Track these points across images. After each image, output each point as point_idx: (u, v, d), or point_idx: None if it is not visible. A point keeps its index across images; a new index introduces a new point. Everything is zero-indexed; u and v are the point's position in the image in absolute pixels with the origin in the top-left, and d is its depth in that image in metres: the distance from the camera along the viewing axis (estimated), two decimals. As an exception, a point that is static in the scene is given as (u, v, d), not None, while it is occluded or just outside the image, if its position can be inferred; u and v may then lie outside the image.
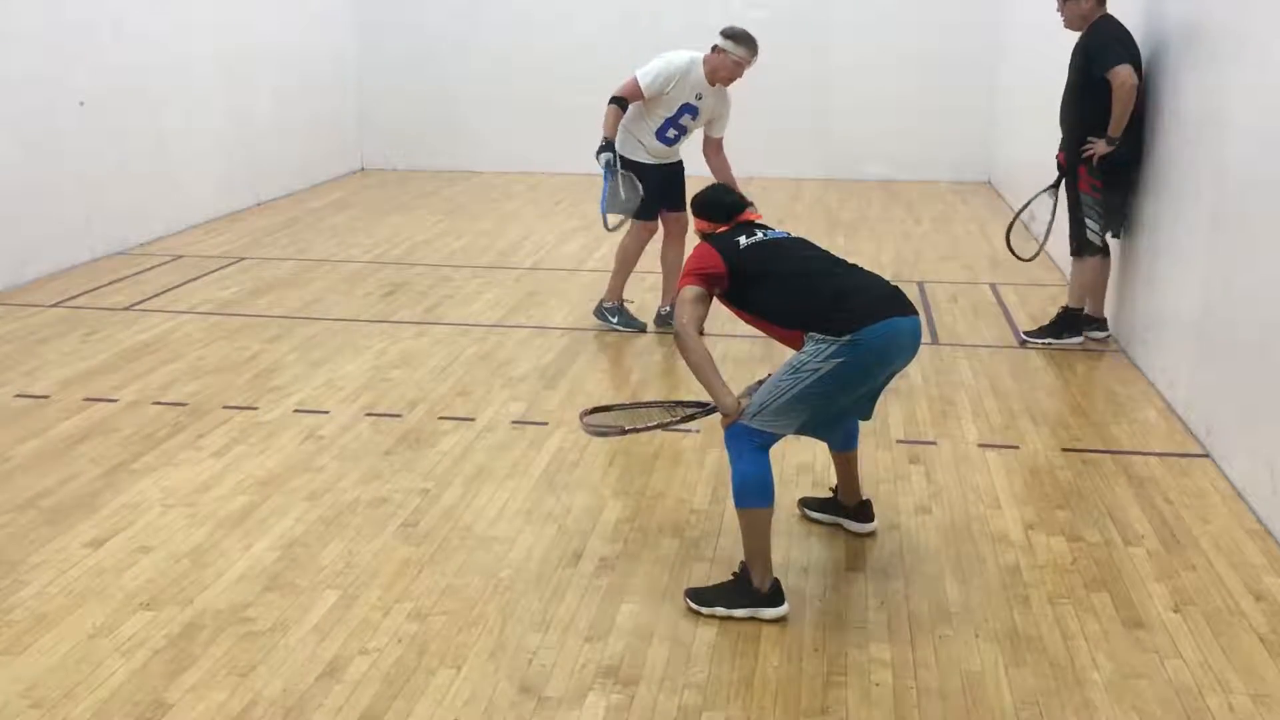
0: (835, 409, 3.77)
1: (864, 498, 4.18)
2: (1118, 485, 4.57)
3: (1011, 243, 6.70)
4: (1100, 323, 6.32)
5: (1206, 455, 4.82)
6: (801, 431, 3.82)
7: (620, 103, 6.25)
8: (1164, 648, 3.44)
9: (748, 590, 3.61)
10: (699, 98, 6.29)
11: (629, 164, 6.37)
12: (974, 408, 5.38)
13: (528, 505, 4.37)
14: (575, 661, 3.36)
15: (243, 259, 8.31)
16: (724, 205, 4.01)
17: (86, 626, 3.51)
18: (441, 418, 5.24)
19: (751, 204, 4.07)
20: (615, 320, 6.64)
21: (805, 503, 4.30)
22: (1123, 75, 5.71)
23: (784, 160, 11.71)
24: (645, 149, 6.41)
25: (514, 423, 5.20)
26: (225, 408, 5.34)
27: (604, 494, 4.47)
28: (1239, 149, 4.71)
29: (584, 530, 4.17)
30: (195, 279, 7.70)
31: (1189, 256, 5.20)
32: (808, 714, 3.14)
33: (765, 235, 3.88)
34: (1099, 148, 5.89)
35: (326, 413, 5.30)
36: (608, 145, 6.24)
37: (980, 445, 4.94)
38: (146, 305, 7.05)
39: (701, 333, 3.71)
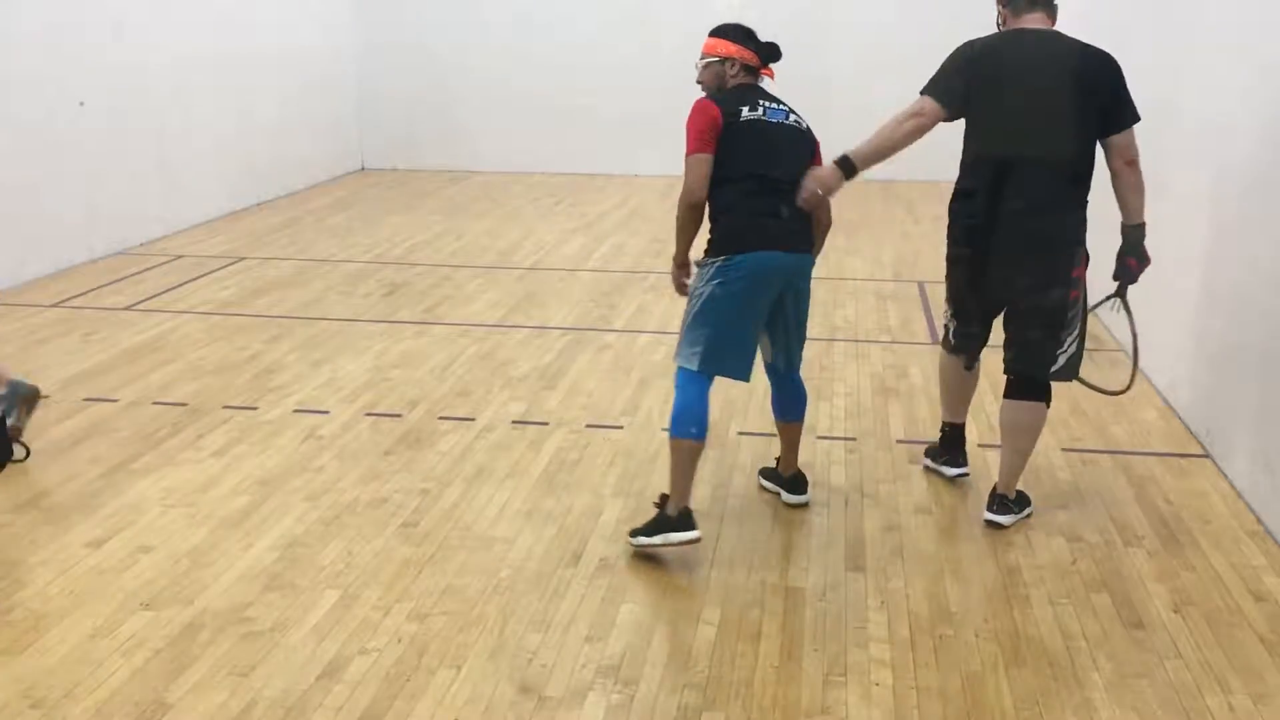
0: (737, 333, 3.90)
1: (798, 471, 4.37)
2: (1118, 485, 4.57)
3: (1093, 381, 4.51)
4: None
5: (1206, 455, 4.82)
6: (725, 369, 3.92)
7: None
8: (1164, 648, 3.44)
9: (663, 518, 3.90)
10: None
11: None
12: (974, 408, 5.36)
13: (528, 505, 4.37)
14: (575, 661, 3.36)
15: (243, 259, 8.30)
16: (763, 44, 4.04)
17: (86, 626, 3.51)
18: (441, 418, 5.24)
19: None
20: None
21: (761, 472, 4.55)
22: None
23: (784, 160, 11.70)
24: None
25: (514, 423, 5.20)
26: (225, 408, 5.34)
27: (604, 494, 4.47)
28: (1240, 149, 4.71)
29: (584, 530, 4.17)
30: (195, 279, 7.70)
31: (1189, 256, 5.20)
32: (808, 714, 3.14)
33: (765, 115, 3.94)
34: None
35: (326, 413, 5.30)
36: None
37: (980, 445, 4.94)
38: (146, 305, 7.05)
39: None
